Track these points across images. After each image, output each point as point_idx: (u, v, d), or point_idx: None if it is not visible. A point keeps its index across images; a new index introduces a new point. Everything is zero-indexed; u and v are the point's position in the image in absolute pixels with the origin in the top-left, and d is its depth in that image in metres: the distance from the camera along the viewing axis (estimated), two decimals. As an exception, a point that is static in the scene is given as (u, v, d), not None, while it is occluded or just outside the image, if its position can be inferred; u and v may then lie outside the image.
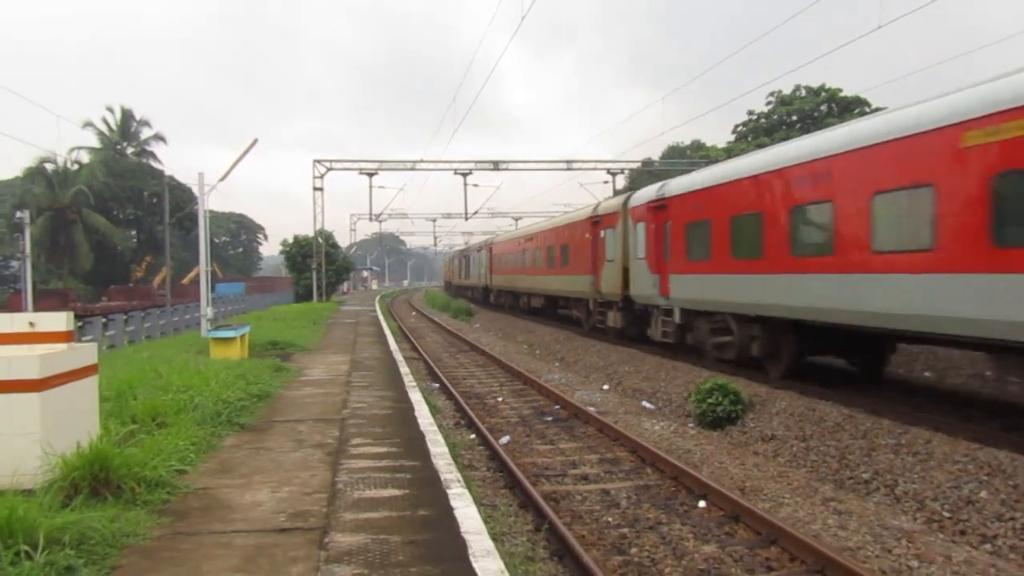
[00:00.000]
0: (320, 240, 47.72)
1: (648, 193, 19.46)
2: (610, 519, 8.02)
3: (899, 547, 7.00)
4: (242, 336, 16.11)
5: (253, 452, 8.08)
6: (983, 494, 7.88)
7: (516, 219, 76.31)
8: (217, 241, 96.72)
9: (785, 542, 7.08)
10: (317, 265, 47.16)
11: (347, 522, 5.70)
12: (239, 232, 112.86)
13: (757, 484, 9.25)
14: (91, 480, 5.83)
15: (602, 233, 22.77)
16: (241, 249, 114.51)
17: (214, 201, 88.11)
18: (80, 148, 64.50)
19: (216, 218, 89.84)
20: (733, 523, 7.82)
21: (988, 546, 7.10)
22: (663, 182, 19.23)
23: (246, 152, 19.80)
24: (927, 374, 15.24)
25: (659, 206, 18.26)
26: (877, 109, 41.50)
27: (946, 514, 7.84)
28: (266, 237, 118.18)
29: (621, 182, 52.86)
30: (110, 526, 5.18)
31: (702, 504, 8.41)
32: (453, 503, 6.19)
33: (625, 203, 21.07)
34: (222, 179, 20.23)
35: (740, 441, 11.67)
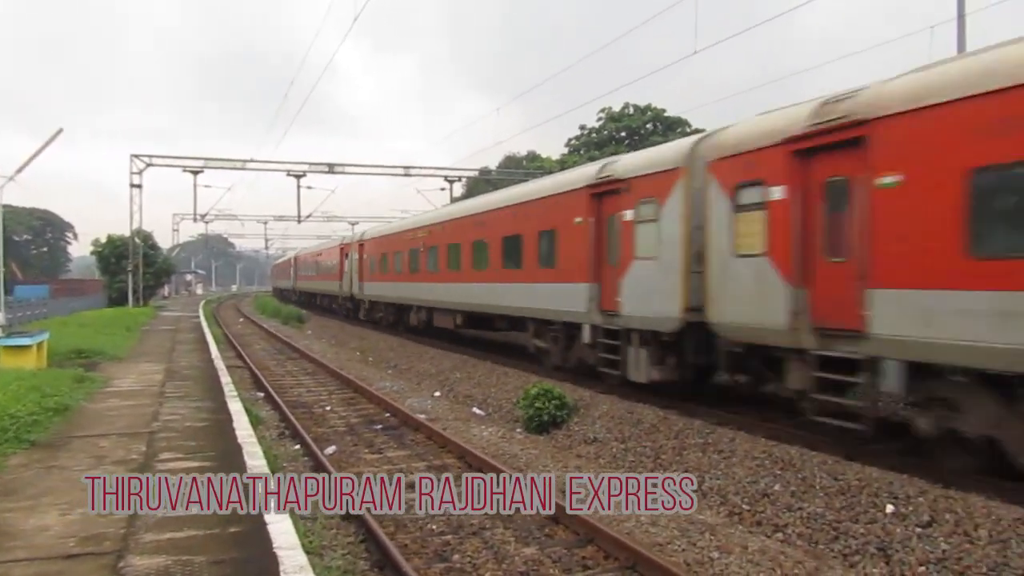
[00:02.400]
0: (137, 240, 44.54)
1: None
2: (434, 527, 8.00)
3: (703, 540, 7.47)
4: (39, 344, 14.71)
5: (43, 471, 7.38)
6: (777, 487, 8.58)
7: (352, 223, 74.82)
8: (17, 239, 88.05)
9: (601, 541, 7.35)
10: (133, 267, 43.97)
11: (147, 544, 5.32)
12: (44, 230, 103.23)
13: (578, 486, 9.55)
14: None
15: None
16: (46, 249, 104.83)
17: (12, 195, 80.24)
18: None
19: (15, 214, 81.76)
20: (553, 525, 8.03)
21: (780, 535, 7.72)
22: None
23: (49, 143, 18.11)
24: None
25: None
26: (697, 130, 44.43)
27: (745, 507, 8.46)
28: (76, 236, 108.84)
29: (459, 190, 53.29)
30: None
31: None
32: (267, 518, 5.94)
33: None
34: (19, 171, 18.37)
35: (564, 444, 12.02)
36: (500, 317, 19.52)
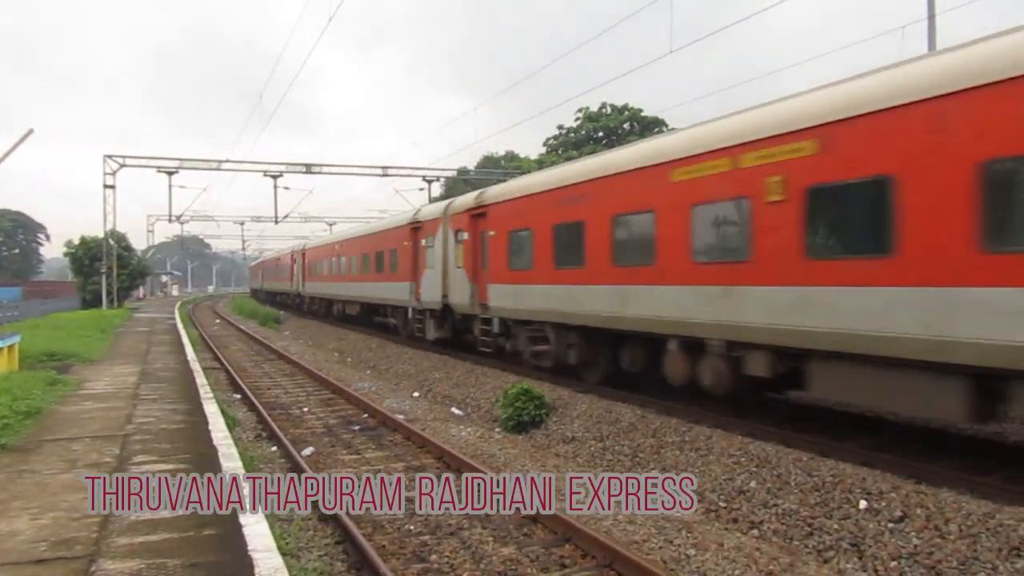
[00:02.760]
0: (111, 242, 44.00)
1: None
2: (412, 527, 7.98)
3: (679, 537, 7.51)
4: (10, 346, 14.50)
5: (14, 475, 7.28)
6: (753, 484, 8.65)
7: (330, 224, 74.34)
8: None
9: (578, 540, 7.37)
10: (107, 269, 43.44)
11: (120, 547, 5.26)
12: (15, 231, 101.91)
13: (556, 485, 9.56)
14: None
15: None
16: (18, 250, 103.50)
17: (-16, 196, 78.92)
18: None
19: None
20: (531, 524, 8.04)
21: (755, 531, 7.80)
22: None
23: (18, 144, 17.82)
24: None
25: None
26: (673, 129, 44.70)
27: (722, 504, 8.52)
28: (48, 237, 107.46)
29: (437, 189, 53.20)
30: None
31: (503, 507, 8.57)
32: (243, 520, 5.90)
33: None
34: (-10, 171, 18.05)
35: (543, 444, 12.04)
36: (378, 306, 28.81)
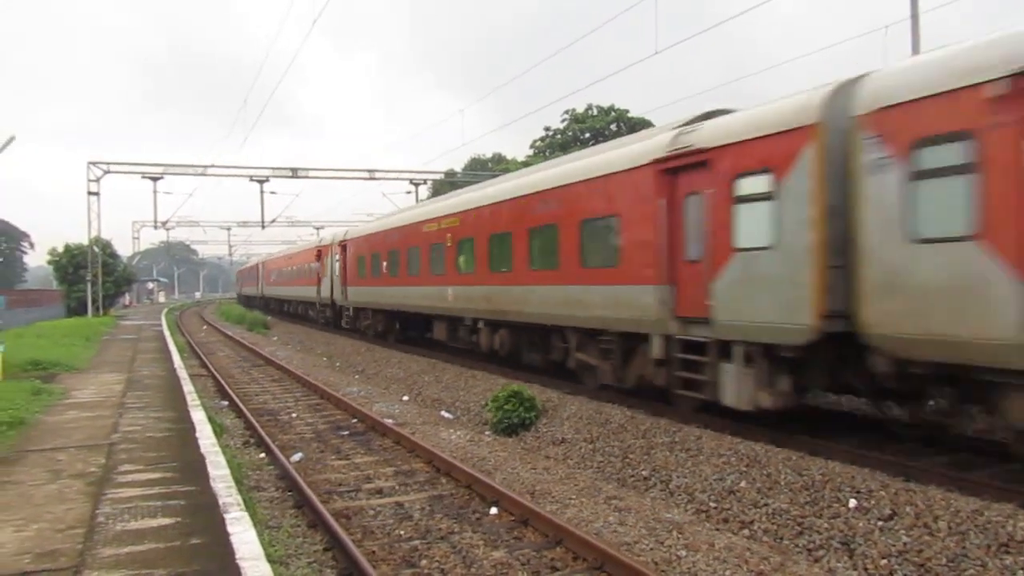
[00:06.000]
0: (96, 249, 43.67)
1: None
2: (402, 532, 7.93)
3: (670, 538, 7.50)
4: (-6, 356, 14.32)
5: (-3, 487, 7.17)
6: (743, 484, 8.65)
7: (318, 228, 74.05)
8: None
9: (569, 542, 7.34)
10: (92, 276, 43.11)
11: (105, 558, 5.20)
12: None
13: (546, 487, 9.54)
14: None
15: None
16: (1, 259, 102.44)
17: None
18: None
19: (-32, 224, 79.65)
20: (522, 527, 8.00)
21: (746, 531, 7.80)
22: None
23: (0, 150, 17.64)
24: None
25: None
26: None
27: (712, 504, 8.52)
28: (32, 245, 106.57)
29: (424, 192, 53.06)
30: None
31: (493, 511, 8.54)
32: (230, 528, 5.84)
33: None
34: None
35: (533, 446, 12.01)
36: (305, 303, 41.53)
